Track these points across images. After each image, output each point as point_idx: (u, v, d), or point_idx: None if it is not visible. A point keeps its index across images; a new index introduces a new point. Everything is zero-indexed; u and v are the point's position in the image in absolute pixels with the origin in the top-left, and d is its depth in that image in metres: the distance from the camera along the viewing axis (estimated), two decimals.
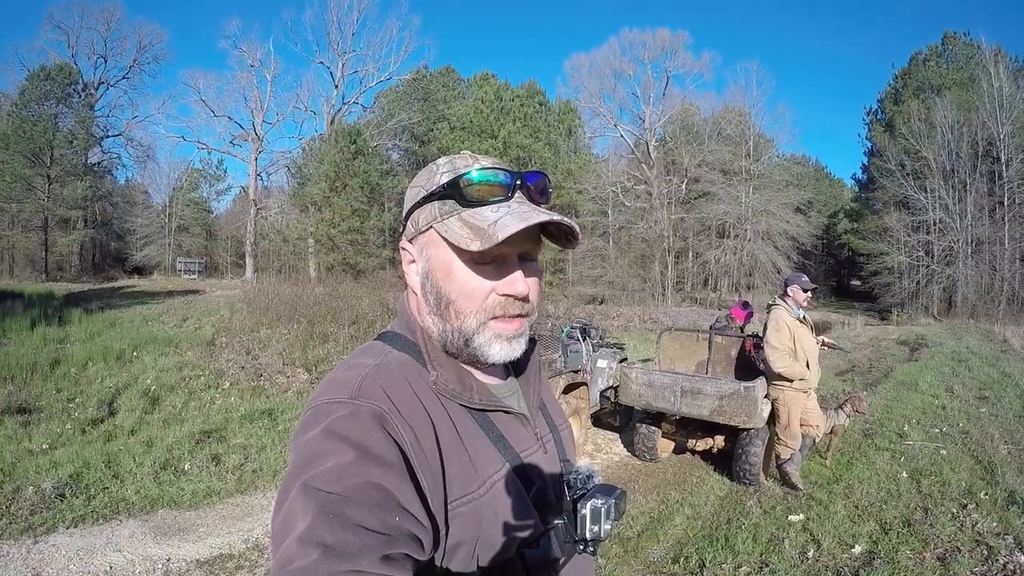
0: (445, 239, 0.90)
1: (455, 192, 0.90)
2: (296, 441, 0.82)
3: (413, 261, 0.97)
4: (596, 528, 0.91)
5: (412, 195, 0.96)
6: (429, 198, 0.93)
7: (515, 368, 1.07)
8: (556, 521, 0.93)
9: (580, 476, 1.01)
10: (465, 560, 0.86)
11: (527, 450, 0.98)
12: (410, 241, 0.97)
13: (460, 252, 0.90)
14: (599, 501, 0.92)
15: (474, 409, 0.94)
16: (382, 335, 1.01)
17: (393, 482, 0.77)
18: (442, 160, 0.96)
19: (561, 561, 0.92)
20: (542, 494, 0.96)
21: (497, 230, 0.85)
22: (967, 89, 36.48)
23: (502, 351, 0.93)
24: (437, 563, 0.84)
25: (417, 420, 0.85)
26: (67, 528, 4.58)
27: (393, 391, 0.86)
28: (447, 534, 0.84)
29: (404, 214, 0.97)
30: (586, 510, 0.91)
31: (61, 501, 4.91)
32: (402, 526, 0.75)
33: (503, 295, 0.91)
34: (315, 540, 0.69)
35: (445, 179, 0.92)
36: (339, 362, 0.97)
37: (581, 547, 0.92)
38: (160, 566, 4.14)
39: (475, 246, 0.86)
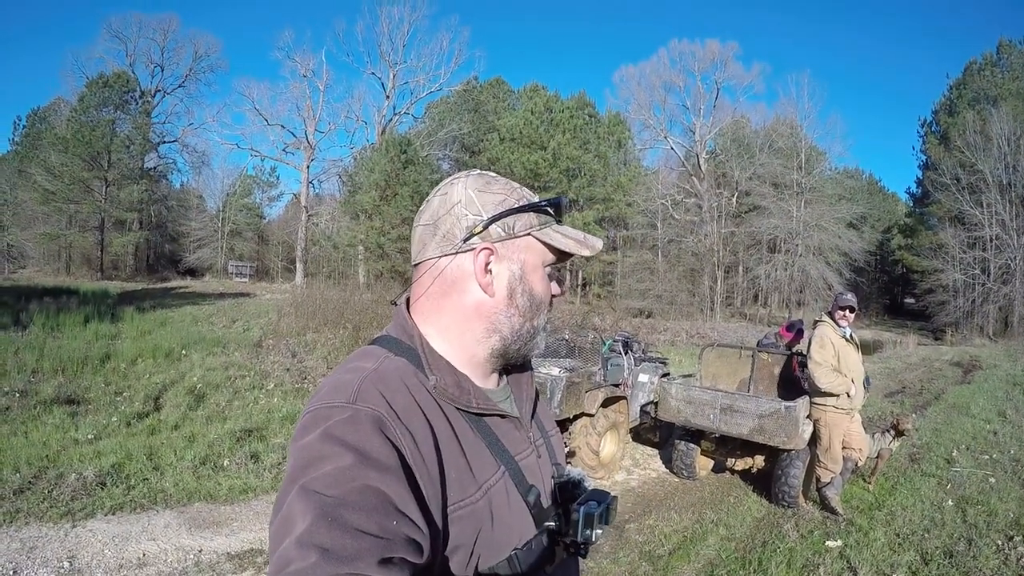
0: (549, 245, 1.00)
1: (555, 209, 1.02)
2: (295, 444, 0.83)
3: (490, 263, 0.98)
4: (588, 532, 0.93)
5: (496, 201, 0.98)
6: (528, 208, 0.99)
7: (508, 373, 1.10)
8: (549, 524, 0.96)
9: (572, 480, 1.06)
10: (462, 563, 0.86)
11: (521, 454, 1.00)
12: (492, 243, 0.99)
13: (548, 257, 1.02)
14: (592, 505, 0.95)
15: (471, 413, 0.94)
16: (378, 339, 1.01)
17: (391, 486, 0.77)
18: (499, 177, 1.03)
19: (554, 564, 0.95)
20: (536, 497, 0.97)
21: (592, 243, 1.02)
22: None
23: (543, 345, 1.06)
24: (435, 566, 0.83)
25: (416, 424, 0.86)
26: (105, 515, 4.74)
27: (392, 395, 0.86)
28: (446, 538, 0.84)
29: (489, 217, 0.97)
30: (579, 514, 0.94)
31: (101, 489, 5.08)
32: (400, 530, 0.74)
33: (552, 296, 1.05)
34: (313, 543, 0.69)
35: (532, 196, 1.02)
36: (337, 366, 0.98)
37: (573, 550, 0.95)
38: (192, 556, 4.24)
39: (585, 252, 1.00)
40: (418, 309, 1.01)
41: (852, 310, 5.44)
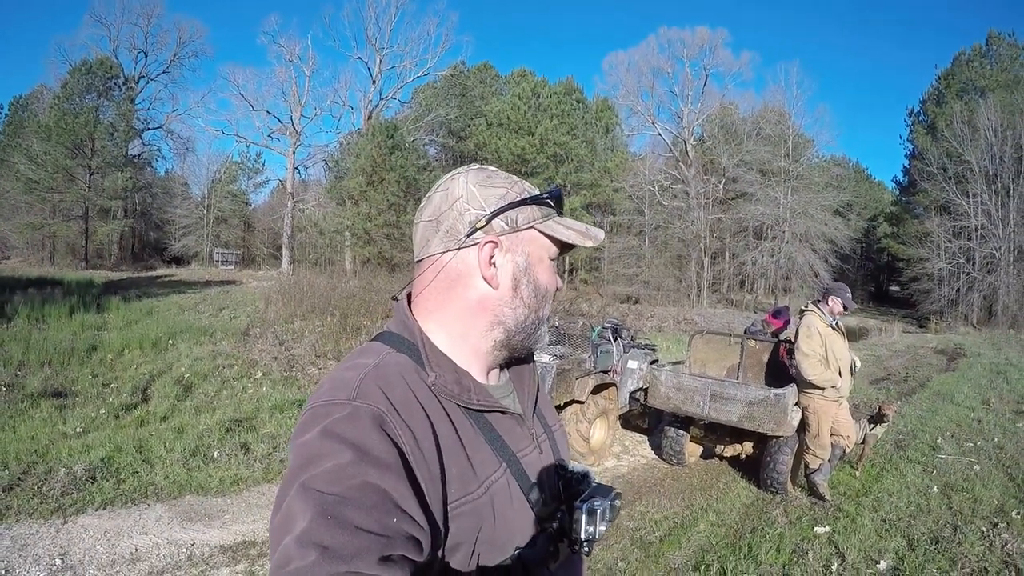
0: (552, 237, 1.01)
1: (555, 201, 1.03)
2: (295, 442, 0.82)
3: (494, 256, 0.98)
4: (592, 528, 0.93)
5: (498, 195, 0.98)
6: (531, 201, 1.00)
7: (510, 368, 1.10)
8: (553, 521, 0.96)
9: (575, 476, 1.05)
10: (463, 560, 0.86)
11: (523, 450, 1.00)
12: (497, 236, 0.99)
13: (552, 249, 1.02)
14: (596, 502, 0.94)
15: (472, 410, 0.94)
16: (379, 336, 1.01)
17: (391, 483, 0.77)
18: (500, 171, 1.03)
19: (557, 561, 0.95)
20: (539, 494, 0.97)
21: (594, 234, 1.03)
22: (1012, 91, 35.13)
23: (546, 336, 1.05)
24: (436, 564, 0.83)
25: (416, 421, 0.85)
26: (96, 510, 4.71)
27: (392, 392, 0.86)
28: (447, 535, 0.84)
29: (492, 211, 0.97)
30: (583, 511, 0.93)
31: (92, 483, 5.04)
32: (400, 527, 0.74)
33: (556, 288, 1.06)
34: (313, 541, 0.69)
35: (532, 189, 1.03)
36: (338, 364, 0.98)
37: (577, 547, 0.94)
38: (185, 550, 4.23)
39: (588, 243, 1.01)
40: (420, 304, 1.01)
41: (847, 309, 5.54)
